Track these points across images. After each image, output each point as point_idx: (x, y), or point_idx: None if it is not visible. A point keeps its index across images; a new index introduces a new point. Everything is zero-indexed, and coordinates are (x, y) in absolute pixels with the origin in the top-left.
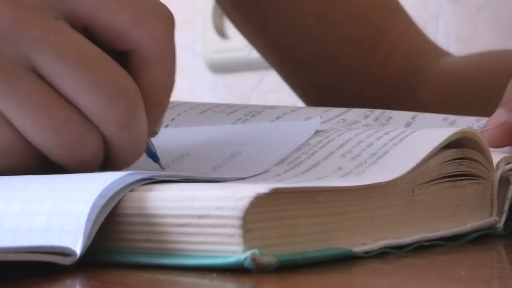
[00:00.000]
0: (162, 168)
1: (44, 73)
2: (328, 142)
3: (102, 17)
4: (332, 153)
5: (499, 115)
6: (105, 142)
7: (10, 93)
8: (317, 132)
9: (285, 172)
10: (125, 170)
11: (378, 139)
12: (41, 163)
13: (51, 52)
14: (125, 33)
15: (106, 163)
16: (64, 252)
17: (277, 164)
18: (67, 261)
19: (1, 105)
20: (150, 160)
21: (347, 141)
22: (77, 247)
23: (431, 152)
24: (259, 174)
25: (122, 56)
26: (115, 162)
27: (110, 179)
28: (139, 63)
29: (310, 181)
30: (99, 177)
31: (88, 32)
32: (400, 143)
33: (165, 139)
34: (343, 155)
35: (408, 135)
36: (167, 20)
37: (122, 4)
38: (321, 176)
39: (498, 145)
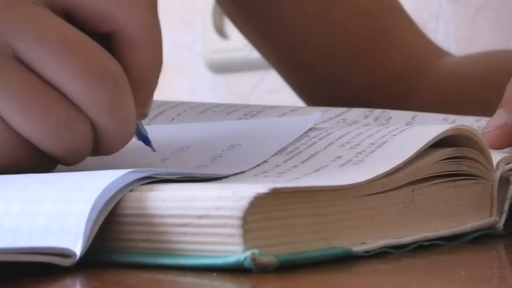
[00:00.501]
0: (154, 150)
1: (27, 60)
2: (328, 134)
3: (83, 0)
4: (331, 143)
5: (499, 116)
6: (94, 127)
7: None
8: (317, 128)
9: (284, 162)
10: (125, 168)
11: (377, 131)
12: (36, 159)
13: (32, 38)
14: (106, 14)
15: (96, 149)
16: (64, 253)
17: (276, 154)
18: (67, 262)
19: None
20: (143, 149)
21: (346, 133)
22: (77, 248)
23: (430, 141)
24: (258, 165)
25: (106, 39)
26: (105, 146)
27: (109, 179)
28: (123, 44)
29: (309, 174)
30: (98, 176)
31: (69, 16)
32: (399, 134)
33: (165, 133)
34: (342, 145)
35: (407, 128)
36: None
37: None
38: (320, 166)
39: (499, 146)
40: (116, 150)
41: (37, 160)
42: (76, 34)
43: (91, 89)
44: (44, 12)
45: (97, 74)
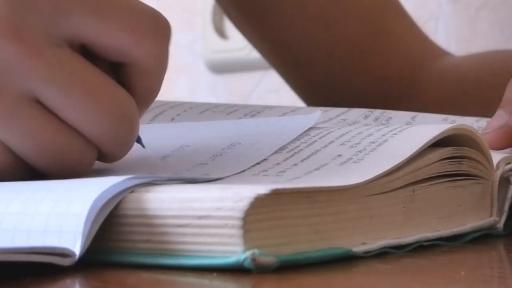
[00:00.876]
0: (144, 147)
1: (49, 105)
2: (328, 133)
3: (103, 38)
4: (331, 142)
5: (499, 117)
6: (99, 152)
7: (14, 127)
8: (317, 128)
9: (284, 160)
10: (125, 167)
11: (377, 130)
12: (27, 171)
13: (58, 89)
14: (124, 51)
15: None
16: (63, 253)
17: (276, 152)
18: (66, 262)
19: (3, 137)
20: (143, 148)
21: (346, 132)
22: (76, 248)
23: (430, 141)
24: (258, 163)
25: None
26: (103, 161)
27: (110, 182)
28: (136, 74)
29: (309, 173)
30: (99, 180)
31: (87, 47)
32: (400, 133)
33: (165, 132)
34: (343, 144)
35: (407, 127)
36: (164, 33)
37: (122, 24)
38: (321, 164)
39: (499, 147)
40: (114, 161)
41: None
42: (99, 79)
43: (110, 131)
44: (68, 57)
45: (118, 116)
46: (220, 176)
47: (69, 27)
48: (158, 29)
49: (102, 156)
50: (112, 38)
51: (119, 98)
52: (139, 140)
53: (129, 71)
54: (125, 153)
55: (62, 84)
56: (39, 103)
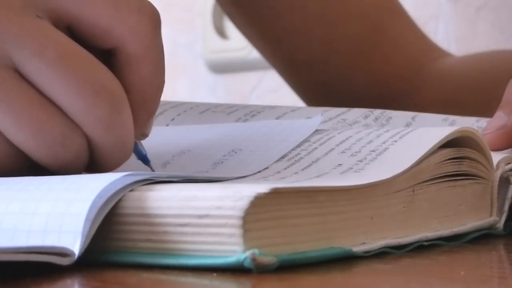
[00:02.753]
0: (153, 170)
1: (25, 72)
2: (328, 139)
3: (86, 15)
4: (331, 149)
5: (499, 118)
6: (90, 143)
7: None
8: (317, 131)
9: (285, 168)
10: (124, 171)
11: (378, 136)
12: (27, 165)
13: (32, 51)
14: (108, 29)
15: (92, 165)
16: (62, 253)
17: (277, 160)
18: (65, 261)
19: None
20: (141, 163)
21: (347, 138)
22: (75, 248)
23: (430, 149)
24: (259, 171)
25: (107, 56)
26: (101, 163)
27: (109, 180)
28: (124, 60)
29: (310, 180)
30: (98, 178)
31: (72, 31)
32: (400, 140)
33: (165, 136)
34: (343, 152)
35: (408, 133)
36: (152, 16)
37: (104, 1)
38: (321, 173)
39: (499, 148)
40: (112, 168)
41: (33, 169)
42: (75, 48)
43: (88, 105)
44: (46, 25)
45: (95, 90)
46: (220, 176)
47: (49, 2)
48: (143, 8)
49: (95, 155)
50: (93, 14)
51: (99, 72)
52: (147, 162)
53: (118, 59)
54: (117, 150)
55: (34, 46)
56: (18, 74)
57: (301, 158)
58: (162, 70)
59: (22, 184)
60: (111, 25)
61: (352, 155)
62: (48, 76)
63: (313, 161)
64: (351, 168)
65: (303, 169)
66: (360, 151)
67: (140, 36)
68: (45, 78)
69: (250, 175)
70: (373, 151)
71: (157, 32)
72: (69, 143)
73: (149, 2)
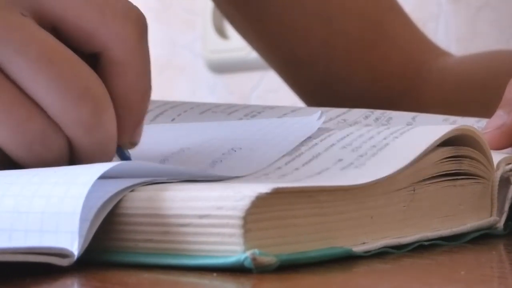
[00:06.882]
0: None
1: (8, 69)
2: (329, 135)
3: (70, 16)
4: (332, 145)
5: (499, 117)
6: (70, 144)
7: None
8: (318, 129)
9: (286, 164)
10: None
11: (379, 133)
12: (6, 160)
13: (15, 48)
14: (93, 33)
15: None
16: (61, 253)
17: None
18: (64, 262)
19: None
20: (141, 149)
21: (347, 134)
22: (74, 248)
23: (431, 145)
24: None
25: (93, 61)
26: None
27: (99, 171)
28: (108, 65)
29: (311, 177)
30: (88, 170)
31: (58, 33)
32: (400, 136)
33: (166, 133)
34: (344, 147)
35: (409, 129)
36: (137, 21)
37: (90, 3)
38: (322, 168)
39: (498, 147)
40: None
41: (12, 166)
42: (60, 47)
43: (70, 106)
44: (30, 23)
45: (78, 91)
46: (219, 174)
47: (34, 1)
48: (128, 13)
49: (76, 157)
50: (77, 16)
51: (83, 73)
52: (124, 158)
53: (103, 64)
54: (98, 153)
55: (18, 44)
56: (1, 71)
57: (302, 153)
58: (147, 76)
59: (11, 177)
60: (95, 29)
61: (353, 150)
62: (31, 74)
63: (314, 156)
64: (352, 163)
65: (303, 165)
66: (361, 147)
67: (124, 41)
68: (28, 76)
69: (249, 174)
70: (374, 146)
71: (143, 38)
72: (49, 143)
73: (136, 7)
